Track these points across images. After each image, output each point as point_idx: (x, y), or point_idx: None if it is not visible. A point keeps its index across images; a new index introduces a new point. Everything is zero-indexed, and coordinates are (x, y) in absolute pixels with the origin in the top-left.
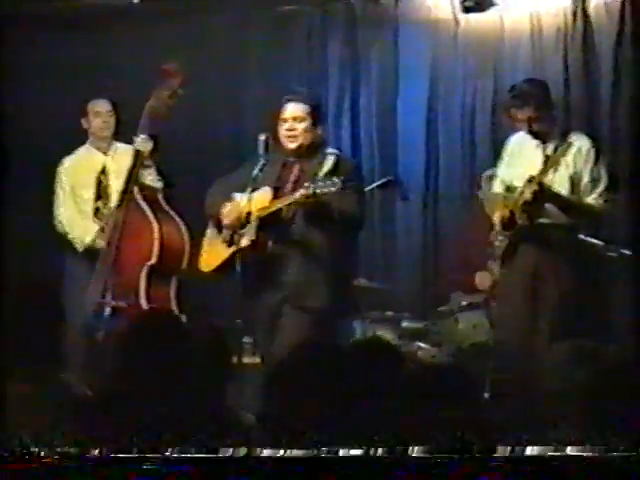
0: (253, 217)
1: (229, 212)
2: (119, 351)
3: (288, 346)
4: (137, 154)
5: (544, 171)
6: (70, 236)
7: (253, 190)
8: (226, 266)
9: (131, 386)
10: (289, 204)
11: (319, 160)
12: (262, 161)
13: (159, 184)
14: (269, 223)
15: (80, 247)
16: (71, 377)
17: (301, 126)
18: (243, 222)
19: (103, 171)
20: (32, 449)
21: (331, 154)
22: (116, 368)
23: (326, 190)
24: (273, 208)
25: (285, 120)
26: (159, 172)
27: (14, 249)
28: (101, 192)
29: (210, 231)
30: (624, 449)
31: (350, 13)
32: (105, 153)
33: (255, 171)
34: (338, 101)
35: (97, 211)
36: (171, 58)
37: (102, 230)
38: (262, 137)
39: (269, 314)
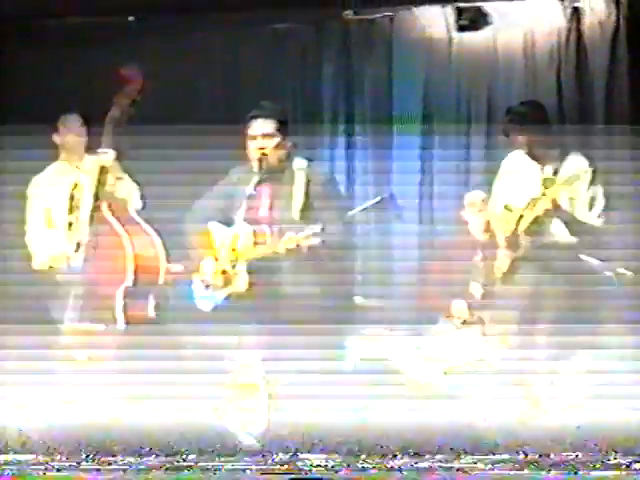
0: (240, 261)
1: (209, 270)
2: None
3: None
4: (100, 170)
5: (556, 189)
6: (33, 253)
7: (245, 216)
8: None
9: None
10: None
11: (289, 179)
12: (256, 179)
13: (135, 194)
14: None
15: (37, 265)
16: None
17: (271, 143)
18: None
19: (76, 186)
20: None
21: (299, 170)
22: None
23: (307, 242)
24: (258, 255)
25: (254, 137)
26: (133, 180)
27: None
28: (73, 206)
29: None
30: None
31: (345, 31)
32: (77, 167)
33: (248, 190)
34: (332, 118)
35: (70, 226)
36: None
37: (76, 250)
38: (257, 156)
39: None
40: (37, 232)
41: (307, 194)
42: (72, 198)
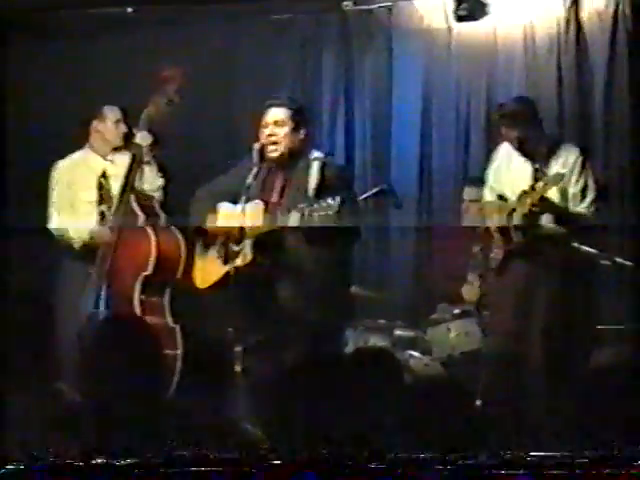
0: (248, 235)
1: (220, 226)
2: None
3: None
4: (137, 149)
5: (546, 187)
6: (65, 236)
7: (247, 200)
8: (222, 283)
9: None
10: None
11: (303, 167)
12: (255, 170)
13: (160, 181)
14: (263, 240)
15: (77, 245)
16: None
17: (282, 131)
18: (237, 237)
19: (104, 175)
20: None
21: (315, 160)
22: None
23: (323, 213)
24: (267, 229)
25: (266, 125)
26: (160, 169)
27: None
28: (103, 196)
29: (198, 245)
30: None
31: (344, 22)
32: (104, 158)
33: (249, 180)
34: (332, 109)
35: (103, 216)
36: (165, 65)
37: (103, 238)
38: (256, 146)
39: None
40: (62, 217)
41: (319, 184)
42: (101, 188)
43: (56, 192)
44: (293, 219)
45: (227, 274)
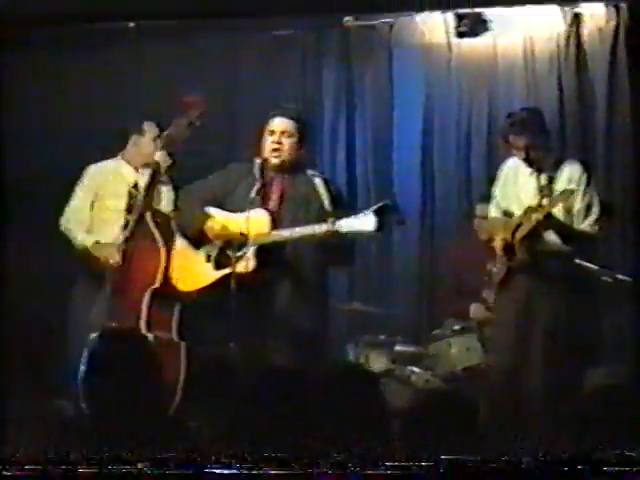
0: (251, 241)
1: (219, 230)
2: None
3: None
4: (157, 167)
5: (553, 203)
6: (72, 234)
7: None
8: (215, 287)
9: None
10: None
11: (302, 182)
12: (258, 185)
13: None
14: (268, 248)
15: (79, 245)
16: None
17: (288, 141)
18: (238, 243)
19: (135, 186)
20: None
21: (315, 176)
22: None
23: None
24: (278, 239)
25: (272, 132)
26: (175, 192)
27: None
28: (132, 205)
29: (180, 242)
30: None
31: (344, 37)
32: (137, 170)
33: (252, 194)
34: (333, 125)
35: (127, 224)
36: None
37: (117, 249)
38: (258, 160)
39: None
40: (83, 213)
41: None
42: (131, 197)
43: (80, 191)
44: (317, 229)
45: (221, 279)
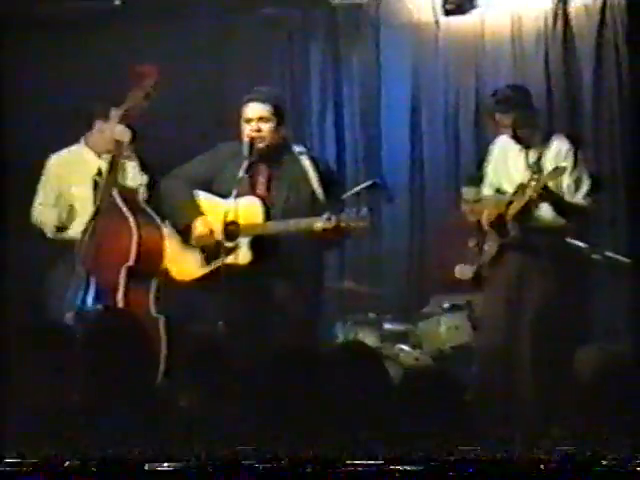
0: (245, 232)
1: (204, 225)
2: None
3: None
4: (116, 144)
5: (544, 180)
6: (42, 224)
7: (237, 195)
8: (210, 277)
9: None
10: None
11: (289, 161)
12: (247, 163)
13: (143, 178)
14: (261, 239)
15: (50, 233)
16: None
17: (267, 126)
18: (228, 233)
19: (99, 173)
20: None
21: (301, 154)
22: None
23: (353, 224)
24: (273, 231)
25: (250, 120)
26: (142, 165)
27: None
28: (97, 193)
29: (170, 231)
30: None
31: (331, 16)
32: (99, 156)
33: (240, 173)
34: (321, 104)
35: (97, 212)
36: (152, 60)
37: (84, 231)
38: (246, 139)
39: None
40: (49, 208)
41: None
42: (96, 186)
43: (45, 184)
44: (319, 224)
45: (214, 271)
